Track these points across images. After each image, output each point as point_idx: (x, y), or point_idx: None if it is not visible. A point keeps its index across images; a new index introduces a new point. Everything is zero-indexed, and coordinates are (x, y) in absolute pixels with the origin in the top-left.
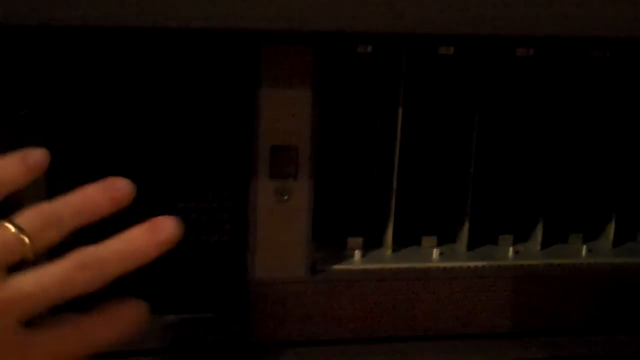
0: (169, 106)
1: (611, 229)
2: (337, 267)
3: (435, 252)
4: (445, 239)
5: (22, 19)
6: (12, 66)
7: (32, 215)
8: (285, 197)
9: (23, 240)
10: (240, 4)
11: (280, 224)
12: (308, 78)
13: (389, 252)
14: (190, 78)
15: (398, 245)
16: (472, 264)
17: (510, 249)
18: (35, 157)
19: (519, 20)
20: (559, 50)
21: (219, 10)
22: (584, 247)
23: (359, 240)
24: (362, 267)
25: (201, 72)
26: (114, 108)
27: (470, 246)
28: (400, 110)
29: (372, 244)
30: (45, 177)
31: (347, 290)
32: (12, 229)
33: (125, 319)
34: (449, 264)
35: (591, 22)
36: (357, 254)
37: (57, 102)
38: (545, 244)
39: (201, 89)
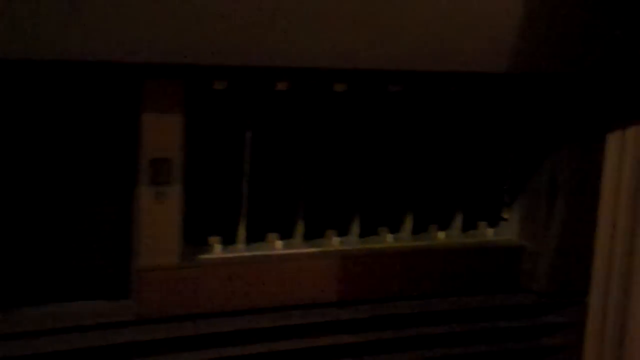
0: (71, 130)
1: (409, 221)
2: (203, 256)
3: (279, 244)
4: (286, 235)
5: None
6: None
7: None
8: (162, 200)
9: None
10: (126, 45)
11: (158, 221)
12: (180, 106)
13: (242, 245)
14: (87, 108)
15: (249, 241)
16: (305, 250)
17: (334, 239)
18: None
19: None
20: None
21: (109, 50)
22: (388, 236)
23: (218, 238)
24: (222, 256)
25: (95, 104)
26: (31, 130)
27: (305, 238)
28: (248, 134)
29: (228, 241)
30: None
31: (212, 274)
32: None
33: None
34: (289, 251)
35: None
36: (218, 247)
37: None
38: (361, 235)
39: (96, 116)
